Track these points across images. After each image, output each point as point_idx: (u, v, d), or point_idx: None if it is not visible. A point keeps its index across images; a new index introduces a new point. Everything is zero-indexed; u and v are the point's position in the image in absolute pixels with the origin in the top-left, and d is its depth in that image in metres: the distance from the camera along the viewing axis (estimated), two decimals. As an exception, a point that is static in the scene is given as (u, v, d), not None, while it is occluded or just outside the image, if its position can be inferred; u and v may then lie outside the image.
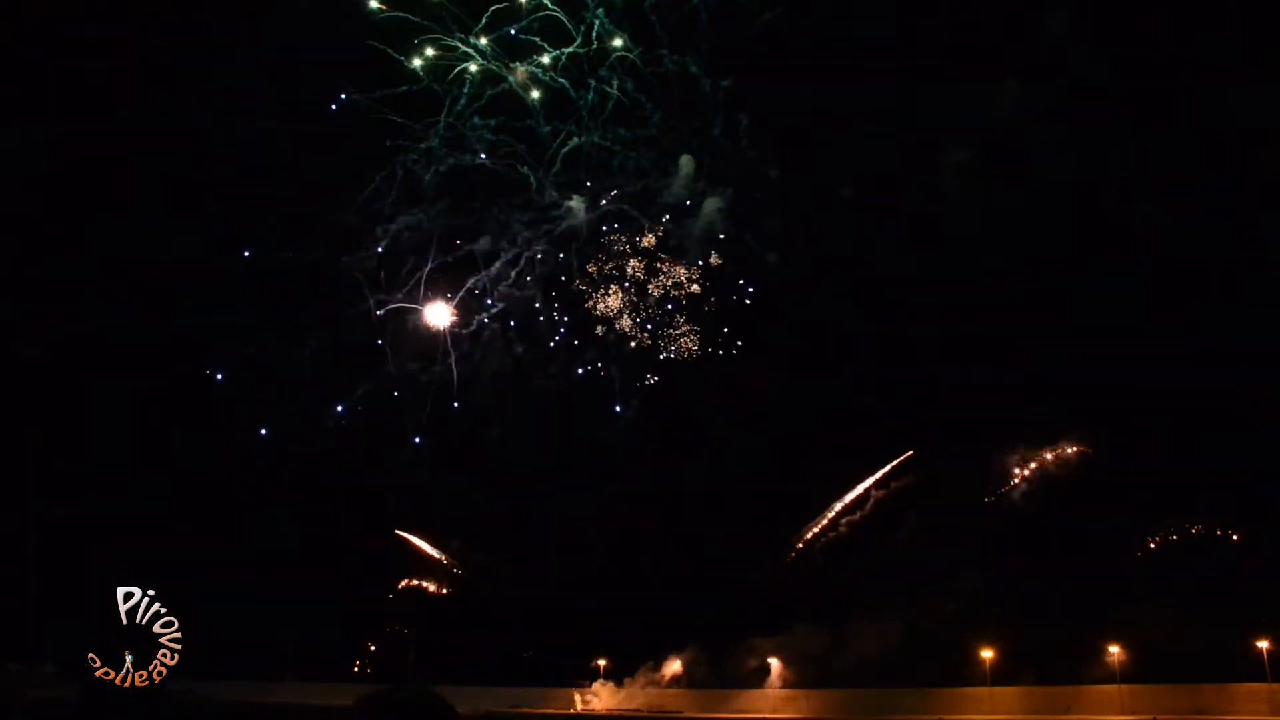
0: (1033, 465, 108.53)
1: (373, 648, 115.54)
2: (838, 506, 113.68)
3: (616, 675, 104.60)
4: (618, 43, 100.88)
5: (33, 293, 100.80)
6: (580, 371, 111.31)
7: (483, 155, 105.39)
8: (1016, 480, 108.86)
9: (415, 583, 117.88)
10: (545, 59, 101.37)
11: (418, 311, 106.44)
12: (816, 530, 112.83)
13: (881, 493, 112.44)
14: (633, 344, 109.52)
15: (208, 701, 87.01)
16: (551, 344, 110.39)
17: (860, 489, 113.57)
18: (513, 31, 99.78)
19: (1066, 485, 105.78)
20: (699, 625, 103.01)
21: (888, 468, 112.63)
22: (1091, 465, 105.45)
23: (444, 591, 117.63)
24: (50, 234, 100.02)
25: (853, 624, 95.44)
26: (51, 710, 71.43)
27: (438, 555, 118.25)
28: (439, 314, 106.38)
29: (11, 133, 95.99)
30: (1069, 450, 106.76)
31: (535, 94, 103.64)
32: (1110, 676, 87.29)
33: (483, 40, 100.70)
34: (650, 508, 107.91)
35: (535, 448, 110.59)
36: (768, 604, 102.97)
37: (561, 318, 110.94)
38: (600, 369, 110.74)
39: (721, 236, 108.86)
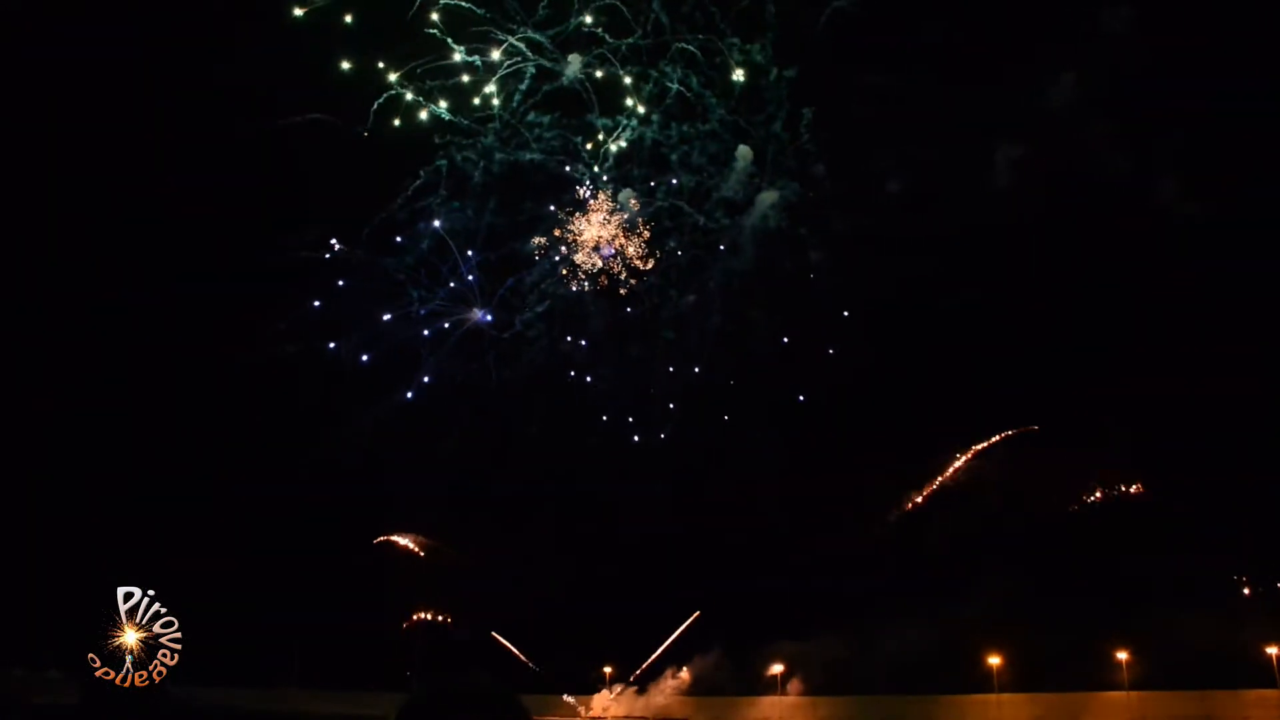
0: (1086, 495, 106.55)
1: (377, 658, 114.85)
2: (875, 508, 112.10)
3: (641, 680, 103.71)
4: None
5: (58, 289, 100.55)
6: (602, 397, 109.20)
7: (535, 151, 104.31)
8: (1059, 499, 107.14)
9: (427, 616, 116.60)
10: (604, 51, 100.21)
11: (460, 310, 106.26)
12: (847, 535, 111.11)
13: (916, 495, 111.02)
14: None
15: (209, 706, 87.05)
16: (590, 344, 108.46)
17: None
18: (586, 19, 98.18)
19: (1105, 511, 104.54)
20: (724, 629, 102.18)
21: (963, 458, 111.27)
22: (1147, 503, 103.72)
23: (451, 622, 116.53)
24: (67, 226, 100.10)
25: (876, 631, 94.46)
26: (54, 715, 71.50)
27: (431, 551, 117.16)
28: None
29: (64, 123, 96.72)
30: (1128, 489, 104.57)
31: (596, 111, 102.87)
32: (1119, 683, 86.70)
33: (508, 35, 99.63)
34: (680, 509, 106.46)
35: (572, 447, 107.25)
36: (795, 606, 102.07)
37: (610, 317, 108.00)
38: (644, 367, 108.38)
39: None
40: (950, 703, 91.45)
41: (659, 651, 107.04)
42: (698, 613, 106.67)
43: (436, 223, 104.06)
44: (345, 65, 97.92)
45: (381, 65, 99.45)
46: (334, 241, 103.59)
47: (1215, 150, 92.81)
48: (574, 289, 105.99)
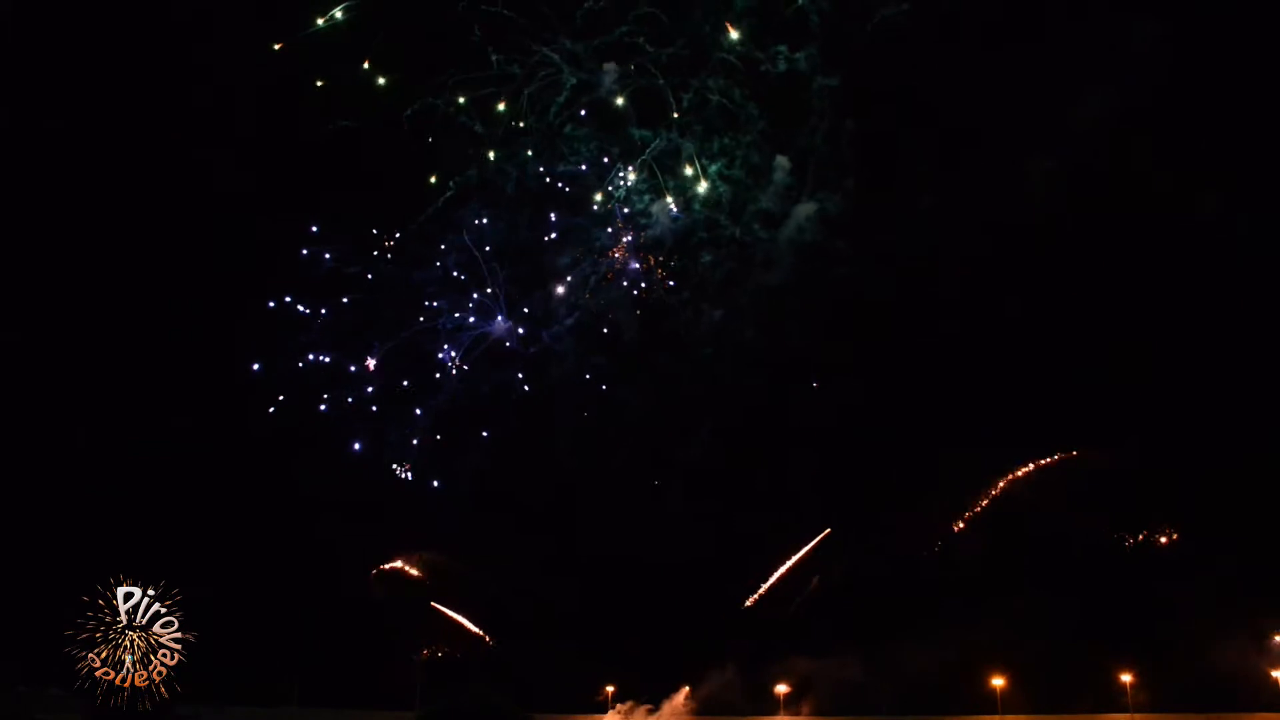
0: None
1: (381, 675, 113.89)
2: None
3: (655, 698, 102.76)
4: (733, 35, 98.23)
5: (87, 296, 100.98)
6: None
7: (570, 162, 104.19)
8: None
9: (440, 652, 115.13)
10: (643, 61, 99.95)
11: (487, 323, 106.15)
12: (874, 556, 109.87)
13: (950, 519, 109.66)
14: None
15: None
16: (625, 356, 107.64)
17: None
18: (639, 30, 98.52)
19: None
20: (739, 646, 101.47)
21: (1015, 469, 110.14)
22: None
23: (458, 655, 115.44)
24: (80, 229, 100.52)
25: (895, 651, 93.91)
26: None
27: (443, 570, 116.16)
28: None
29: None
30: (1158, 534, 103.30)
31: (621, 100, 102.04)
32: (1123, 705, 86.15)
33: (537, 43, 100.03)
34: (704, 527, 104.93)
35: (606, 461, 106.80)
36: (814, 624, 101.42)
37: (642, 330, 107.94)
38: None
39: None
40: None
41: (783, 570, 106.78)
42: (828, 529, 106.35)
43: (467, 235, 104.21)
44: (319, 83, 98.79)
45: (383, 76, 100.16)
46: (338, 258, 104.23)
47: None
48: (603, 303, 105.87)
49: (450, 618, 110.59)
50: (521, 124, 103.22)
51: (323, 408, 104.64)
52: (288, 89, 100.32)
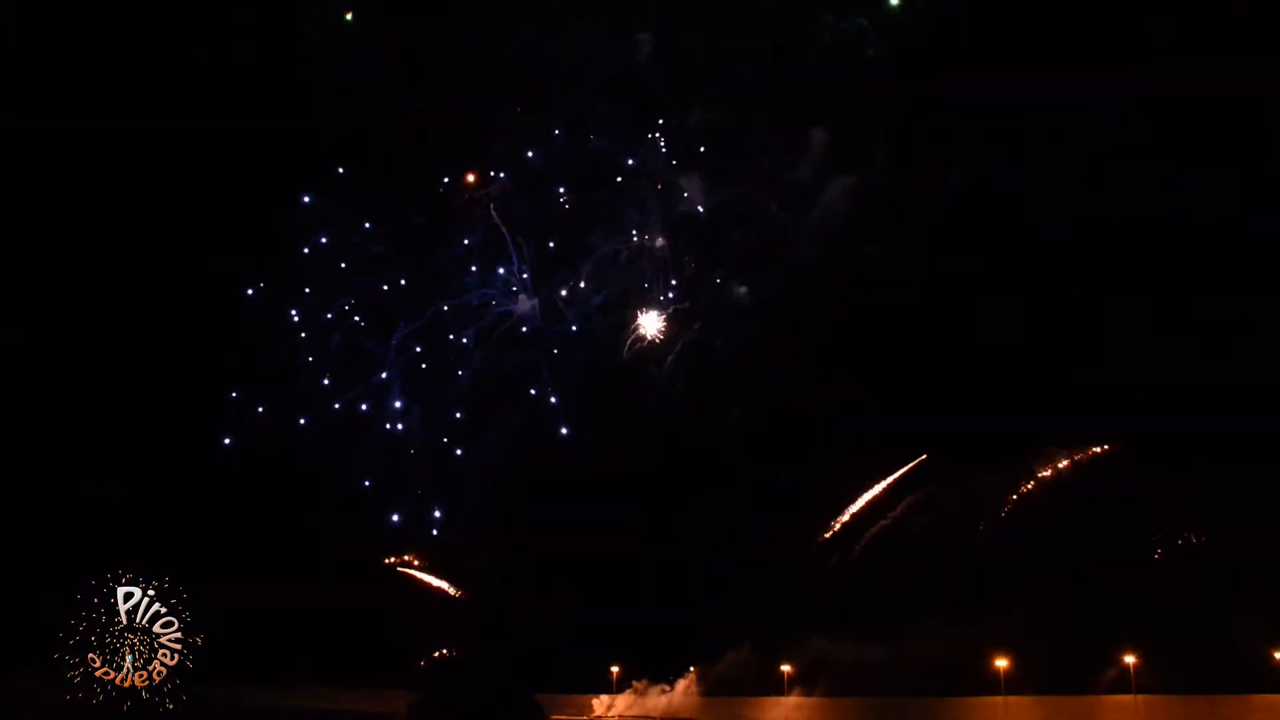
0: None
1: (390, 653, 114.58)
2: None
3: (670, 676, 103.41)
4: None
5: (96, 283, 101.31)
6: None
7: (601, 138, 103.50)
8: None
9: (449, 653, 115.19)
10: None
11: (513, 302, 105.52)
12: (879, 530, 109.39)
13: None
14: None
15: (222, 705, 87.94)
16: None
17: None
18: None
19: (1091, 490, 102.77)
20: (754, 624, 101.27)
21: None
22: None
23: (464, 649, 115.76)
24: (87, 229, 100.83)
25: (914, 633, 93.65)
26: (65, 715, 72.30)
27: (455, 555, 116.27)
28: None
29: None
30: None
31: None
32: (1125, 687, 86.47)
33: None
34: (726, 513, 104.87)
35: (622, 446, 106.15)
36: (829, 605, 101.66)
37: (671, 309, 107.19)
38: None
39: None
40: (957, 704, 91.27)
41: (871, 496, 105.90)
42: (924, 455, 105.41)
43: (494, 211, 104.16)
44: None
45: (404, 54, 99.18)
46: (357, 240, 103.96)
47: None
48: (629, 282, 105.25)
49: (421, 580, 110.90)
50: (550, 98, 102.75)
51: (302, 423, 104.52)
52: (302, 77, 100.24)
